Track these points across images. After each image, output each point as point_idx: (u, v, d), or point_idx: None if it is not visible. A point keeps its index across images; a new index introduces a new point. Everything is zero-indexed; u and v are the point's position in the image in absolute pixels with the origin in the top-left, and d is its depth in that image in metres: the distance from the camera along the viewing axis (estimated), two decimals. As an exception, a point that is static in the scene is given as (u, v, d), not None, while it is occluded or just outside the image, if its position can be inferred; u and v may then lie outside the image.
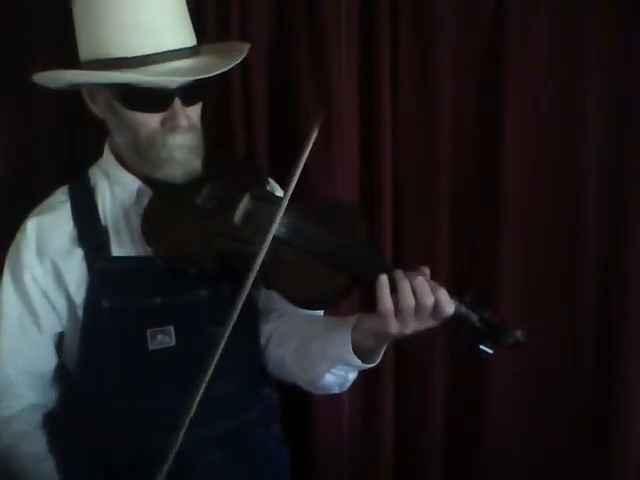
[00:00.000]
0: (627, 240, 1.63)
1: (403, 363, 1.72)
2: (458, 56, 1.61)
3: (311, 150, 1.60)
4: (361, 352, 1.12)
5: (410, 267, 1.10)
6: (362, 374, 1.68)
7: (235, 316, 1.04)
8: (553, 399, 1.73)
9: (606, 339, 1.68)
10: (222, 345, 1.04)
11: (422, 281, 1.05)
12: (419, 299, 1.04)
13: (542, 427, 1.74)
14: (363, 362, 1.13)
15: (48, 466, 1.18)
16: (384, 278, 1.05)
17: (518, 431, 1.74)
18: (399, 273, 1.07)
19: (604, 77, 1.59)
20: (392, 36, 1.59)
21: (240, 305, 1.05)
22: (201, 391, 1.03)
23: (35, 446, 1.20)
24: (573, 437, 1.73)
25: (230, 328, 1.04)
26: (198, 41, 1.21)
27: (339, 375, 1.17)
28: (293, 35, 1.60)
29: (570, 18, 1.57)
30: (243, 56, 1.21)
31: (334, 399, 1.65)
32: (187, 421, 1.03)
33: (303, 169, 1.59)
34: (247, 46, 1.25)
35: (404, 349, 1.70)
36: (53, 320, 1.22)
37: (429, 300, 1.04)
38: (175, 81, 1.11)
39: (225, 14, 1.56)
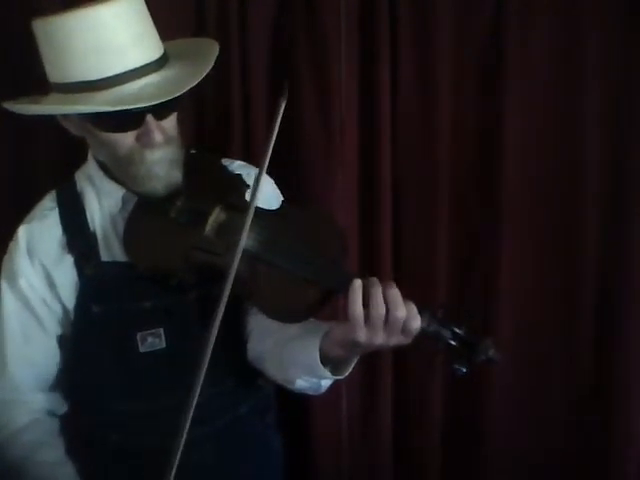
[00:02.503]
0: (627, 239, 1.63)
1: (402, 361, 1.72)
2: (458, 56, 1.61)
3: (311, 149, 1.63)
4: (330, 362, 1.11)
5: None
6: (361, 373, 1.70)
7: (213, 338, 1.04)
8: (553, 398, 1.73)
9: (606, 338, 1.68)
10: (208, 354, 1.03)
11: (396, 292, 1.04)
12: (391, 309, 1.03)
13: (542, 426, 1.74)
14: (333, 374, 1.13)
15: (66, 470, 1.18)
16: (358, 282, 1.04)
17: (518, 430, 1.74)
18: (372, 281, 1.05)
19: (604, 77, 1.59)
20: (392, 36, 1.59)
21: (217, 325, 1.04)
22: (196, 395, 1.02)
23: (51, 454, 1.20)
24: (573, 437, 1.73)
25: (211, 345, 1.04)
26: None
27: (312, 382, 1.17)
28: (293, 35, 1.60)
29: (570, 18, 1.57)
30: (212, 63, 1.16)
31: (333, 398, 1.66)
32: (187, 425, 1.02)
33: (303, 168, 1.62)
34: (216, 47, 1.21)
35: (403, 347, 1.69)
36: (54, 321, 1.23)
37: (401, 312, 1.03)
38: (142, 106, 1.08)
39: (225, 14, 1.56)
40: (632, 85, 1.58)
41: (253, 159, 1.53)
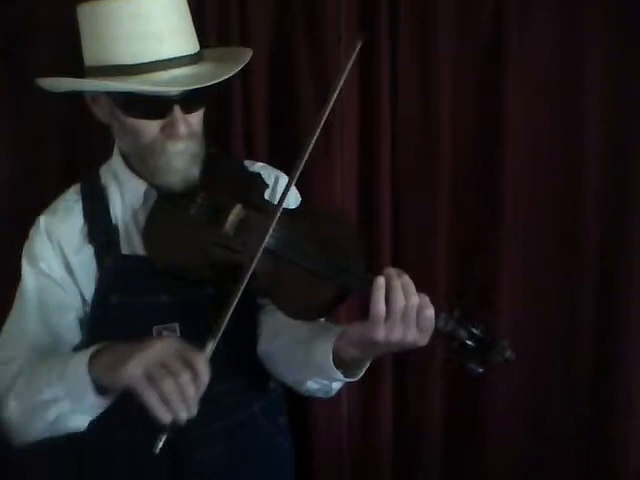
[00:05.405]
0: (627, 238, 1.63)
1: (402, 361, 1.72)
2: (458, 56, 1.61)
3: (311, 150, 1.62)
4: (343, 364, 1.11)
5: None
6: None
7: (222, 330, 1.05)
8: (553, 398, 1.73)
9: (606, 339, 1.68)
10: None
11: (408, 281, 1.05)
12: (407, 299, 1.03)
13: (542, 425, 1.74)
14: (345, 376, 1.12)
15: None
16: (382, 280, 1.04)
17: (518, 429, 1.74)
18: (390, 274, 1.05)
19: (604, 76, 1.59)
20: (392, 36, 1.60)
21: (227, 317, 1.06)
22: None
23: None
24: (573, 436, 1.73)
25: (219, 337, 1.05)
26: (200, 43, 1.21)
27: (322, 384, 1.17)
28: (293, 35, 1.60)
29: (570, 18, 1.58)
30: (244, 64, 1.21)
31: (333, 398, 1.65)
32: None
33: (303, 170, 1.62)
34: (249, 52, 1.25)
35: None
36: (73, 304, 1.22)
37: (414, 299, 1.03)
38: (172, 90, 1.11)
39: (225, 14, 1.56)
40: (632, 84, 1.58)
41: (253, 159, 1.53)
